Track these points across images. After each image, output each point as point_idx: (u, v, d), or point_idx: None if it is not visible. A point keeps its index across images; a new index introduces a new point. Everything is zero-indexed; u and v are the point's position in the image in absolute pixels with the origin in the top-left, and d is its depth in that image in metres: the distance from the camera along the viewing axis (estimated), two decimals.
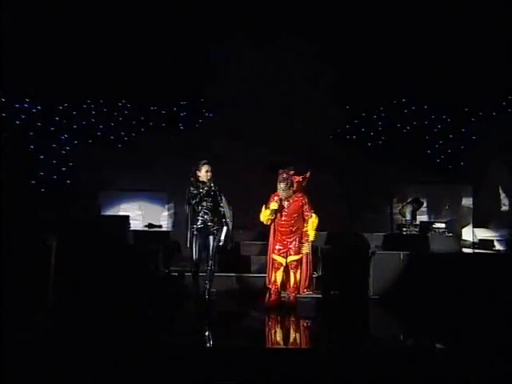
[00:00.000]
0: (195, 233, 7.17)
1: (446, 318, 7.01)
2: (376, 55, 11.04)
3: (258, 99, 11.16)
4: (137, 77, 11.11)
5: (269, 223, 7.30)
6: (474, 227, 10.23)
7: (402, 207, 9.84)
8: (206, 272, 7.24)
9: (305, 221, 7.26)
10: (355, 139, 11.54)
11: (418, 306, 7.54)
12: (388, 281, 8.00)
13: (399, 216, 10.13)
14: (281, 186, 7.15)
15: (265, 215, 7.20)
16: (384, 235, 9.12)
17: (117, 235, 8.18)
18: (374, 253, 8.08)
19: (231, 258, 8.44)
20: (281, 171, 7.26)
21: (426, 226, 9.00)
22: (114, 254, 7.81)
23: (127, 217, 8.80)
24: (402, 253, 8.10)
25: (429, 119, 11.48)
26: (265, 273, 7.61)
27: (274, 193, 7.28)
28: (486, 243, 9.59)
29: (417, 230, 9.18)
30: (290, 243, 7.19)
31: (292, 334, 6.41)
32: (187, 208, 7.21)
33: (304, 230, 7.24)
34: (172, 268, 8.36)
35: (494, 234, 9.84)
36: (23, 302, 6.23)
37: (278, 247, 7.23)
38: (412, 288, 7.83)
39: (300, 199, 7.23)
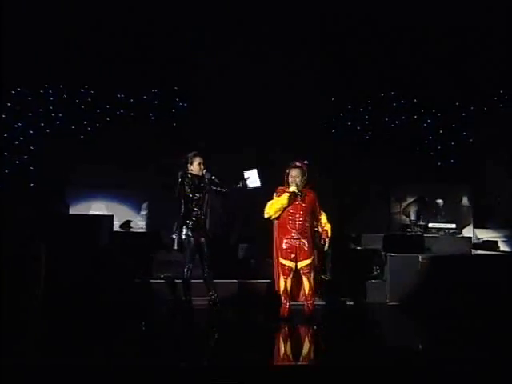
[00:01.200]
0: (189, 233, 6.51)
1: (470, 324, 6.60)
2: (363, 46, 10.61)
3: (238, 90, 10.41)
4: (102, 59, 10.21)
5: (277, 215, 6.55)
6: (474, 227, 10.03)
7: (406, 206, 9.51)
8: (204, 279, 6.67)
9: (316, 219, 6.72)
10: (341, 134, 11.06)
11: (439, 312, 7.16)
12: (406, 286, 7.61)
13: (403, 216, 9.79)
14: (293, 173, 6.56)
15: (279, 203, 6.46)
16: (388, 236, 8.67)
17: (100, 237, 7.31)
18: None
19: (229, 262, 7.77)
20: (293, 162, 6.68)
21: (432, 227, 8.63)
22: (98, 258, 7.16)
23: (111, 217, 7.92)
24: (420, 255, 7.70)
25: (418, 114, 11.16)
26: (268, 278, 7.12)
27: (280, 186, 6.65)
28: (490, 244, 9.38)
29: (422, 230, 8.81)
30: (301, 243, 6.51)
31: (315, 349, 5.83)
32: (179, 205, 6.55)
33: (322, 226, 6.70)
34: (165, 274, 7.62)
35: (496, 235, 9.65)
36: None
37: (285, 247, 6.52)
38: (432, 293, 7.48)
39: (313, 194, 6.67)
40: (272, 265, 6.78)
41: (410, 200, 9.98)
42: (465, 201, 10.45)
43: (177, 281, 7.29)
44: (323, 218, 6.73)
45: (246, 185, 6.74)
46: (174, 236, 6.56)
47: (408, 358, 5.34)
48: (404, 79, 10.83)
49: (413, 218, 9.11)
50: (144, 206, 10.08)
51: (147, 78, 10.67)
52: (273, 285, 6.82)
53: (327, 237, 6.66)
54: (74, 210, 9.46)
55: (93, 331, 5.88)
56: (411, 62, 10.64)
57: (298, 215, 6.49)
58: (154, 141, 10.42)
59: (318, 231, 6.73)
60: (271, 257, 6.79)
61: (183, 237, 6.52)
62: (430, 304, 7.37)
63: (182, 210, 6.55)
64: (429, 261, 7.69)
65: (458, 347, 5.63)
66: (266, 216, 6.57)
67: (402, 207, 9.98)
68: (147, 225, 9.98)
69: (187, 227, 6.53)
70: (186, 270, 6.54)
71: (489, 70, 10.54)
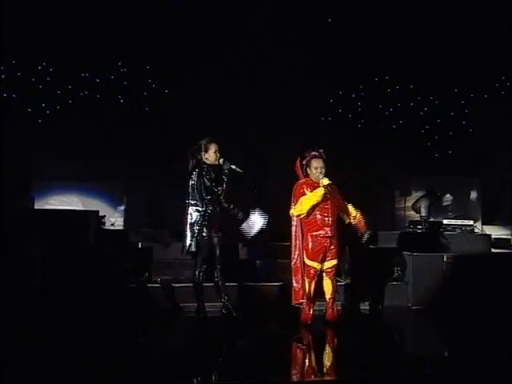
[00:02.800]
0: (205, 233, 6.11)
1: (501, 330, 6.44)
2: (354, 26, 10.36)
3: (222, 73, 9.96)
4: (63, 31, 9.50)
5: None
6: (483, 224, 9.97)
7: (416, 201, 9.31)
8: (215, 284, 6.30)
9: (342, 211, 6.47)
10: (331, 121, 10.79)
11: (467, 316, 6.98)
12: (430, 288, 7.40)
13: (409, 212, 9.65)
14: (315, 164, 6.30)
15: (314, 199, 6.15)
16: (404, 234, 8.50)
17: (88, 236, 6.79)
18: None
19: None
20: (308, 152, 6.44)
21: (448, 224, 8.51)
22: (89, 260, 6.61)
23: (96, 212, 7.39)
24: (445, 255, 7.51)
25: (414, 100, 11.01)
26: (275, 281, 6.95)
27: (301, 181, 6.40)
28: (502, 242, 9.34)
29: (435, 228, 8.67)
30: (331, 241, 6.28)
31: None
32: (197, 201, 6.13)
33: (353, 216, 6.45)
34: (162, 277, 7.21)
35: (505, 232, 9.63)
36: None
37: (314, 246, 6.26)
38: (459, 295, 7.29)
39: (335, 186, 6.38)
40: (289, 266, 6.48)
41: (415, 194, 9.82)
42: (473, 195, 10.41)
43: (175, 285, 7.00)
44: (351, 208, 6.47)
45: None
46: (188, 236, 6.10)
47: (434, 370, 5.15)
48: (399, 63, 10.61)
49: (424, 213, 8.93)
50: (121, 200, 9.45)
51: (115, 54, 10.07)
52: (288, 288, 6.52)
53: (363, 227, 6.41)
54: (41, 204, 8.77)
55: (89, 346, 5.48)
56: (406, 45, 10.44)
57: (329, 210, 6.28)
58: (123, 127, 9.85)
59: (349, 223, 6.49)
60: (289, 257, 6.47)
61: (203, 235, 6.13)
62: (457, 308, 7.18)
63: (203, 207, 6.12)
64: (454, 260, 7.48)
65: (490, 358, 5.38)
66: (297, 214, 6.26)
67: (411, 202, 9.81)
68: (125, 221, 9.39)
69: (205, 226, 6.13)
70: (197, 272, 6.20)
71: (489, 54, 10.45)
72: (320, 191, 6.16)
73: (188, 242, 6.07)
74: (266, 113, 9.81)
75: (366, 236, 6.42)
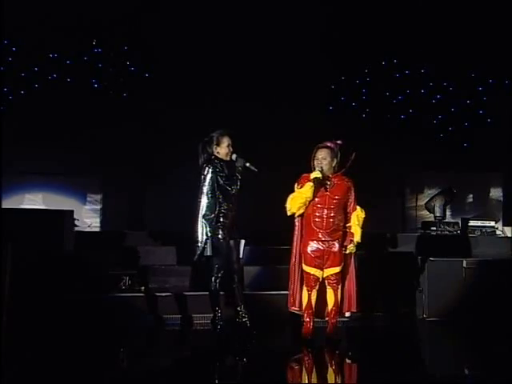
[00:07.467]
0: (220, 235, 6.19)
1: None
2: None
3: (209, 55, 10.04)
4: (29, 6, 9.54)
5: (301, 212, 6.27)
6: (504, 225, 10.08)
7: (430, 200, 9.43)
8: (232, 291, 6.42)
9: (346, 215, 6.40)
10: (332, 110, 10.89)
11: (489, 330, 7.08)
12: (448, 297, 7.48)
13: (422, 212, 9.76)
14: (318, 155, 6.20)
15: (302, 196, 6.14)
16: (411, 236, 8.63)
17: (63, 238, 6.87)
18: None
19: None
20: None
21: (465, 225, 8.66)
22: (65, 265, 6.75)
23: (71, 212, 7.43)
24: (464, 260, 7.60)
25: (426, 86, 11.13)
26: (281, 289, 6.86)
27: (304, 175, 6.31)
28: None
29: (451, 229, 8.80)
30: (331, 246, 6.26)
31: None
32: (211, 199, 6.18)
33: (347, 226, 6.36)
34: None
35: None
36: None
37: (310, 251, 6.26)
38: (480, 306, 7.37)
39: (346, 182, 6.31)
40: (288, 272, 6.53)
41: (428, 192, 9.95)
42: (493, 193, 10.54)
43: (159, 294, 7.08)
44: (355, 216, 6.36)
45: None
46: (200, 239, 6.16)
47: None
48: (409, 45, 10.72)
49: (438, 213, 9.06)
50: (97, 198, 9.52)
51: (89, 33, 10.11)
52: (288, 298, 6.51)
53: (351, 241, 6.32)
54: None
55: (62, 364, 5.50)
56: (418, 24, 10.52)
57: (326, 210, 6.20)
58: (98, 116, 9.90)
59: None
60: (289, 262, 6.52)
61: (219, 237, 6.21)
62: (478, 319, 7.26)
63: (216, 206, 6.21)
64: (475, 266, 7.59)
65: None
66: (288, 213, 6.27)
67: (424, 201, 9.93)
68: (101, 222, 9.54)
69: (223, 228, 6.22)
70: (213, 279, 6.25)
71: (510, 35, 10.56)
72: (307, 187, 6.12)
73: (202, 245, 6.12)
74: (259, 103, 9.88)
75: (350, 247, 6.32)
